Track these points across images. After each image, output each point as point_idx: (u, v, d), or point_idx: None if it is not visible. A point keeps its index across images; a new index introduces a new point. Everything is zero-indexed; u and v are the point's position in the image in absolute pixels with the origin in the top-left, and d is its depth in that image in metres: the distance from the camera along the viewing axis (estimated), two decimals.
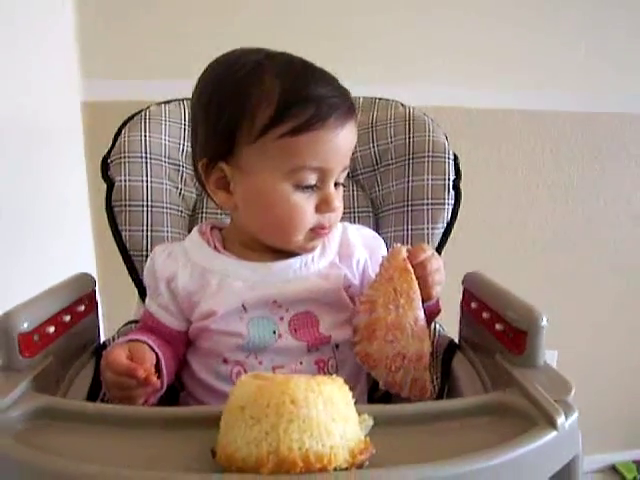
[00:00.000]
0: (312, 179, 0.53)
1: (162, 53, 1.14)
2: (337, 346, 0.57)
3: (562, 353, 1.30)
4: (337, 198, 0.56)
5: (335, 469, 0.31)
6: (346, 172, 0.58)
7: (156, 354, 0.53)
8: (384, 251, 0.63)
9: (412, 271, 0.51)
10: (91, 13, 1.10)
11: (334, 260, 0.60)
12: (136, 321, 0.66)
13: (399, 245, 0.54)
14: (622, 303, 1.41)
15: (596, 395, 1.38)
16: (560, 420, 0.38)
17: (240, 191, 0.55)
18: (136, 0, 1.11)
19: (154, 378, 0.47)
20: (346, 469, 0.32)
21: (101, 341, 0.60)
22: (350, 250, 0.61)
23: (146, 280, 0.62)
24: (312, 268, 0.58)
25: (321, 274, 0.58)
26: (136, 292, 0.70)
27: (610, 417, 1.48)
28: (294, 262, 0.58)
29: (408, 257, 0.52)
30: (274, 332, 0.55)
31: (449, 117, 1.20)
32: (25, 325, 0.44)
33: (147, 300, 0.61)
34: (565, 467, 0.40)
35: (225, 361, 0.56)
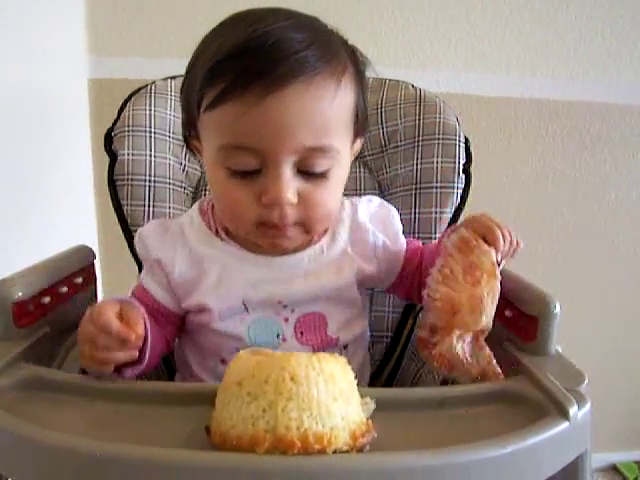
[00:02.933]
0: (247, 163, 0.45)
1: (170, 31, 1.12)
2: (345, 347, 0.54)
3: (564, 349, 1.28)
4: (285, 189, 0.45)
5: (335, 451, 0.29)
6: (324, 157, 0.46)
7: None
8: (396, 217, 0.59)
9: (500, 277, 0.45)
10: None
11: (346, 248, 0.55)
12: None
13: (480, 240, 0.46)
14: (631, 296, 1.39)
15: (597, 393, 1.36)
16: (572, 410, 0.36)
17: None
18: None
19: (136, 351, 0.42)
20: (346, 452, 0.30)
21: None
22: (363, 234, 0.56)
23: (139, 254, 0.58)
24: (323, 261, 0.53)
25: (333, 267, 0.53)
26: (137, 268, 0.69)
27: (611, 415, 1.46)
28: (303, 256, 0.53)
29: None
30: (278, 335, 0.51)
31: (459, 104, 1.17)
32: (20, 293, 0.43)
33: (142, 274, 0.57)
34: (575, 460, 0.39)
35: (223, 362, 0.52)
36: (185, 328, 0.56)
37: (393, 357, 0.71)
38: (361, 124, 0.51)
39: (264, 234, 0.49)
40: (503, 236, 0.47)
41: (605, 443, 1.49)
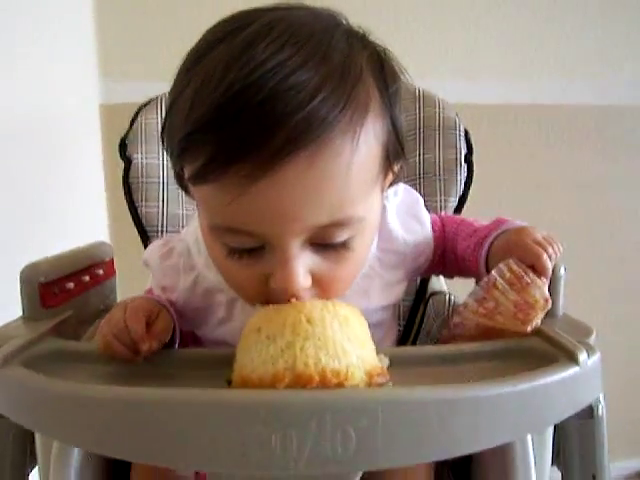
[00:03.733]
0: (246, 242, 0.37)
1: (178, 55, 1.17)
2: None
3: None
4: (295, 274, 0.36)
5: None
6: (343, 230, 0.37)
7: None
8: (421, 204, 0.54)
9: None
10: (110, 16, 1.14)
11: (373, 262, 0.48)
12: None
13: (532, 275, 0.42)
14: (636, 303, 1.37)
15: (625, 397, 1.34)
16: (582, 357, 0.37)
17: None
18: (154, 3, 1.15)
19: (138, 358, 0.38)
20: None
21: None
22: (393, 244, 0.49)
23: (148, 269, 0.53)
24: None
25: (359, 290, 0.46)
26: None
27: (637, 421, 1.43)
28: None
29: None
30: None
31: (458, 113, 1.20)
32: (47, 276, 0.45)
33: (153, 287, 0.52)
34: (584, 410, 0.39)
35: None
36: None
37: (407, 345, 0.71)
38: (394, 157, 0.41)
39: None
40: (550, 257, 0.43)
41: (633, 449, 1.46)
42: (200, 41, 0.38)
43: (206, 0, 1.14)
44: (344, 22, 0.40)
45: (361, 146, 0.35)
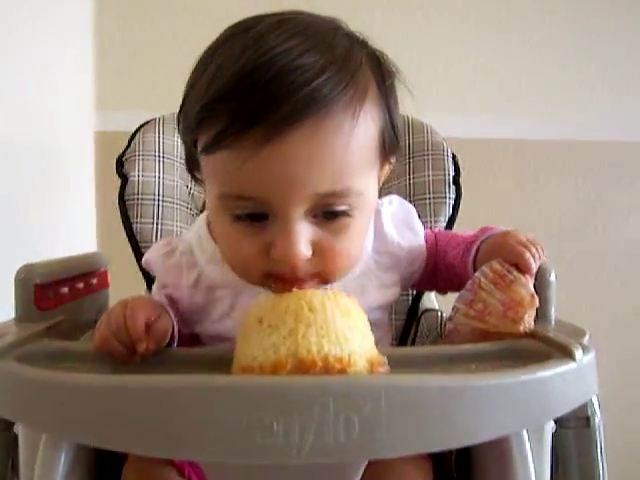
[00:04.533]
0: (252, 208, 0.39)
1: (172, 85, 1.20)
2: None
3: None
4: (296, 242, 0.38)
5: None
6: (342, 201, 0.39)
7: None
8: (415, 216, 0.56)
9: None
10: (107, 47, 1.17)
11: (369, 262, 0.50)
12: None
13: (515, 273, 0.43)
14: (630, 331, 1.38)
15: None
16: (578, 353, 0.37)
17: None
18: (150, 35, 1.19)
19: (136, 359, 0.38)
20: None
21: None
22: (388, 247, 0.51)
23: (149, 270, 0.55)
24: (344, 282, 0.45)
25: (356, 288, 0.47)
26: (144, 284, 0.71)
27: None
28: None
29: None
30: None
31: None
32: (42, 278, 0.45)
33: (154, 288, 0.54)
34: (580, 420, 0.40)
35: None
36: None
37: None
38: (390, 146, 0.44)
39: (275, 285, 0.41)
40: (533, 256, 0.44)
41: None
42: (215, 39, 0.43)
43: (201, 31, 1.19)
44: (345, 26, 0.44)
45: (360, 123, 0.38)
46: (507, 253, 0.45)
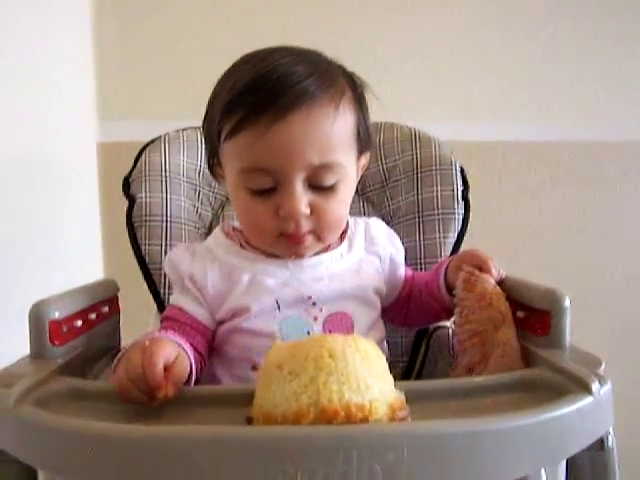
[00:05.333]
0: (264, 182, 0.52)
1: (173, 96, 1.20)
2: None
3: None
4: (298, 202, 0.51)
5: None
6: (331, 172, 0.53)
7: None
8: (401, 248, 0.66)
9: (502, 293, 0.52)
10: (109, 57, 1.17)
11: (362, 256, 0.61)
12: None
13: (477, 273, 0.53)
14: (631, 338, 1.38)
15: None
16: (595, 386, 0.37)
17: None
18: (152, 45, 1.18)
19: (155, 403, 0.39)
20: None
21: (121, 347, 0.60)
22: (376, 247, 0.63)
23: (171, 277, 0.60)
24: (342, 264, 0.59)
25: (352, 270, 0.59)
26: (154, 306, 0.71)
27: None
28: (325, 258, 0.58)
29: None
30: (308, 332, 0.54)
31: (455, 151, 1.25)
32: (56, 314, 0.45)
33: (174, 297, 0.59)
34: (595, 442, 0.40)
35: (254, 368, 0.53)
36: (214, 343, 0.57)
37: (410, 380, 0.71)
38: (364, 141, 0.58)
39: (283, 244, 0.54)
40: (489, 259, 0.55)
41: None
42: (232, 65, 0.56)
43: (203, 42, 1.19)
44: (326, 55, 0.58)
45: (340, 113, 0.52)
46: (470, 260, 0.56)
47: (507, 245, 1.29)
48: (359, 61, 1.25)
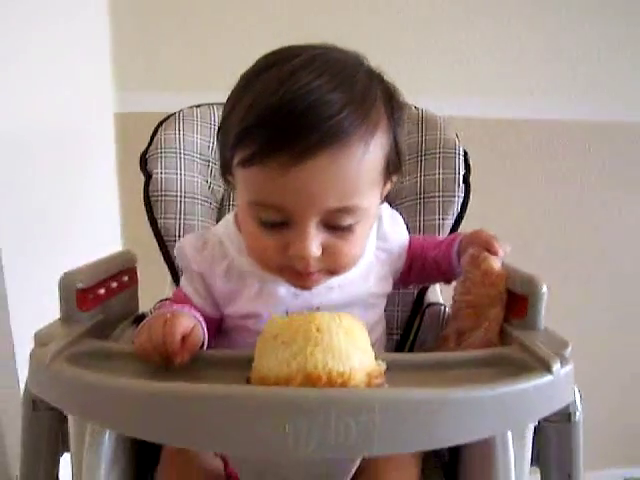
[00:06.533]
0: (275, 217, 0.47)
1: (189, 66, 1.22)
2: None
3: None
4: (309, 244, 0.46)
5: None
6: (349, 215, 0.47)
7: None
8: (404, 231, 0.66)
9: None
10: (125, 28, 1.19)
11: (372, 259, 0.60)
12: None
13: (485, 253, 0.55)
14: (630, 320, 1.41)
15: (604, 406, 1.37)
16: (555, 367, 0.42)
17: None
18: (169, 15, 1.19)
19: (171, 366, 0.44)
20: None
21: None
22: (387, 243, 0.62)
23: (180, 263, 0.62)
24: (353, 271, 0.55)
25: (362, 275, 0.58)
26: (168, 276, 0.77)
27: (621, 429, 1.47)
28: None
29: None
30: None
31: (460, 127, 1.25)
32: (83, 283, 0.50)
33: (182, 280, 0.61)
34: (563, 415, 0.45)
35: None
36: (222, 328, 0.60)
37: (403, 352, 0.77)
38: (393, 168, 0.52)
39: (289, 275, 0.51)
40: (497, 242, 0.56)
41: (617, 458, 1.50)
42: (251, 67, 0.50)
43: (219, 14, 1.20)
44: (366, 62, 0.51)
45: (369, 153, 0.46)
46: (480, 241, 0.57)
47: (516, 222, 1.31)
48: (372, 36, 1.26)
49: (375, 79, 0.50)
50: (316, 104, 0.43)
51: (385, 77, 0.52)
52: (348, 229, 0.48)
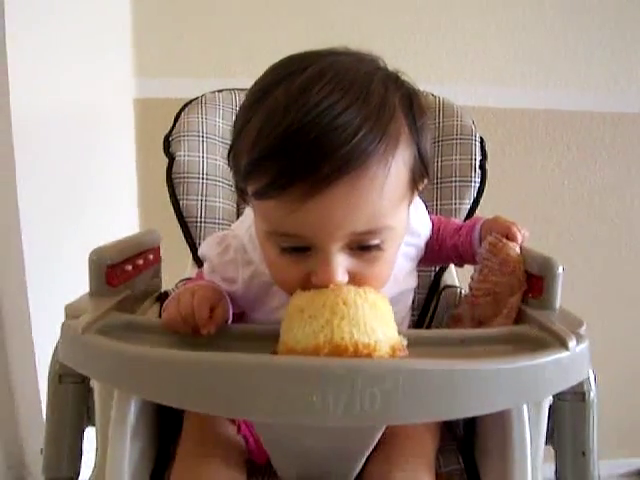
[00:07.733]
0: (296, 243, 0.44)
1: (209, 53, 1.23)
2: None
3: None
4: (335, 272, 0.43)
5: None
6: (376, 237, 0.44)
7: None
8: (427, 221, 0.64)
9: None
10: (146, 14, 1.20)
11: (400, 259, 0.56)
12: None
13: (504, 240, 0.55)
14: None
15: (619, 395, 1.37)
16: (571, 343, 0.43)
17: None
18: (189, 3, 1.21)
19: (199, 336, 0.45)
20: None
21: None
22: (414, 239, 0.61)
23: (203, 257, 0.60)
24: None
25: (391, 280, 0.53)
26: (190, 255, 0.79)
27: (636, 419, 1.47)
28: None
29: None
30: None
31: (476, 116, 1.25)
32: (112, 260, 0.52)
33: (205, 270, 0.58)
34: (577, 394, 0.46)
35: None
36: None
37: None
38: (420, 177, 0.48)
39: None
40: (518, 231, 0.56)
41: (630, 447, 1.50)
42: (260, 80, 0.46)
43: (238, 1, 1.21)
44: (382, 65, 0.48)
45: (392, 172, 0.42)
46: (499, 228, 0.57)
47: (531, 211, 1.31)
48: (390, 28, 1.26)
49: (392, 85, 0.45)
50: (328, 129, 0.39)
51: (403, 79, 0.48)
52: (374, 252, 0.45)
